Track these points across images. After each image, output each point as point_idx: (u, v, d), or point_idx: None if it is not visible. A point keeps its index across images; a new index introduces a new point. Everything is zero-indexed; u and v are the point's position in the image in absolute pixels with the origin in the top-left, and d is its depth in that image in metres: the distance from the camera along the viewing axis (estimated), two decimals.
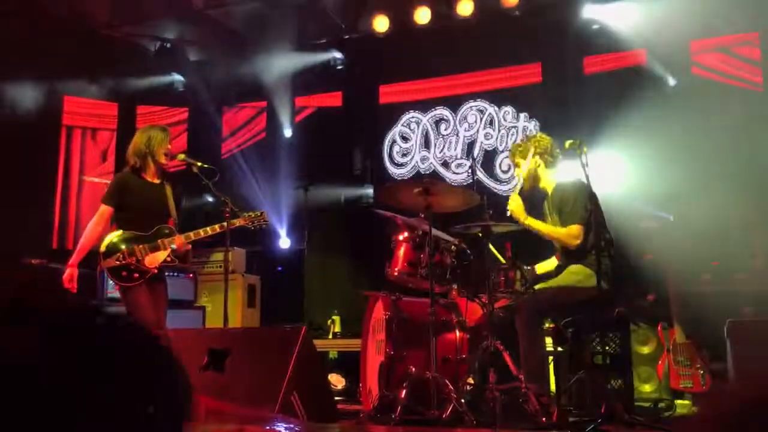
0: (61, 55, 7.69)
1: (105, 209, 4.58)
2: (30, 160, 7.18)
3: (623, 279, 4.59)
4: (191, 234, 4.62)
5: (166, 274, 4.70)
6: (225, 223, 4.72)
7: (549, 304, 4.22)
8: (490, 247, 4.48)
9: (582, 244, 4.44)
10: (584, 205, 4.40)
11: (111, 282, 4.93)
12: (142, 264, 4.44)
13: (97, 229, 4.55)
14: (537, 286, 4.39)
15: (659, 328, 5.29)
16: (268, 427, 2.64)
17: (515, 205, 4.50)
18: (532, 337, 4.25)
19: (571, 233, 4.43)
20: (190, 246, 4.69)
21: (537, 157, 4.69)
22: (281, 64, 7.88)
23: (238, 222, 4.79)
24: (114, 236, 4.51)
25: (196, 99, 8.11)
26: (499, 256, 4.62)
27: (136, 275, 4.43)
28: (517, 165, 4.77)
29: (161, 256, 4.49)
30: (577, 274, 4.42)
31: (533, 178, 4.72)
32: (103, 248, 4.46)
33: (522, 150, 4.74)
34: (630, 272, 5.58)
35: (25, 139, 7.17)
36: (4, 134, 7.03)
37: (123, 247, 4.46)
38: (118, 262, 4.42)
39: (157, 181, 4.68)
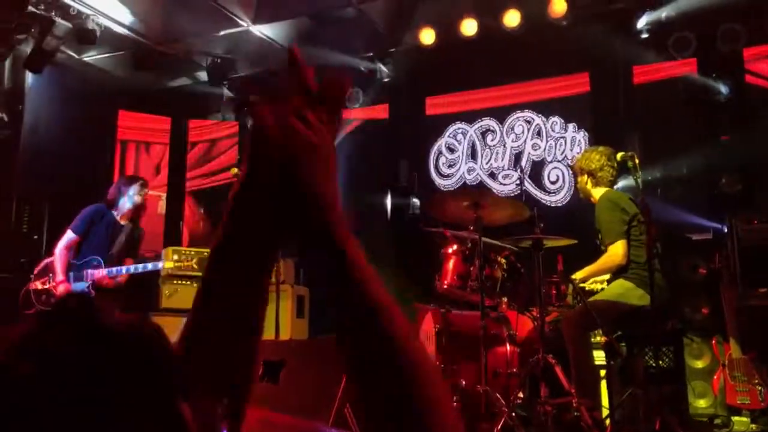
0: (116, 70, 7.93)
1: None
2: (87, 175, 7.39)
3: (676, 292, 4.52)
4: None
5: None
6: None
7: (596, 316, 4.18)
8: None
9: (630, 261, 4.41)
10: (619, 218, 4.40)
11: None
12: (55, 290, 5.09)
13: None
14: (590, 299, 4.36)
15: (714, 342, 5.18)
16: None
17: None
18: (580, 350, 4.22)
19: (611, 254, 4.42)
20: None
21: (585, 175, 4.71)
22: (328, 77, 7.95)
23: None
24: (49, 260, 5.37)
25: (245, 113, 8.24)
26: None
27: (48, 298, 5.11)
28: (576, 174, 4.87)
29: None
30: (618, 288, 4.38)
31: (584, 193, 4.74)
32: (36, 271, 5.32)
33: (577, 167, 4.82)
34: (683, 285, 5.49)
35: (82, 152, 7.39)
36: (62, 148, 7.26)
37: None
38: (44, 286, 4.91)
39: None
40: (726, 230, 5.39)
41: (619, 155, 4.35)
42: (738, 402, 4.84)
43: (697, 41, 6.47)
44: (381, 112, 8.09)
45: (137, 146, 8.18)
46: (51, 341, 0.64)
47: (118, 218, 5.37)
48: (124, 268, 5.24)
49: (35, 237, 7.01)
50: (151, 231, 6.65)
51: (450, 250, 4.64)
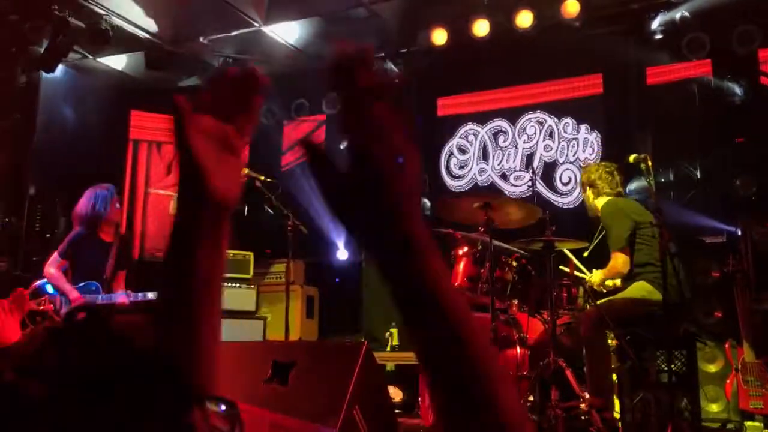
0: (128, 70, 7.96)
1: None
2: (99, 174, 7.42)
3: (689, 295, 4.48)
4: None
5: (227, 285, 4.89)
6: None
7: (613, 317, 4.14)
8: (576, 262, 4.46)
9: (639, 260, 4.39)
10: (622, 225, 4.40)
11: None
12: (58, 315, 4.91)
13: None
14: (599, 301, 4.33)
15: (727, 346, 5.13)
16: None
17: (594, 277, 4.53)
18: (597, 350, 4.19)
19: (610, 266, 4.43)
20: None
21: (587, 189, 4.72)
22: None
23: None
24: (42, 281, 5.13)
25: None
26: (584, 269, 4.60)
27: (47, 323, 4.87)
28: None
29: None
30: (641, 289, 4.35)
31: (592, 207, 4.74)
32: (29, 292, 4.97)
33: (581, 182, 4.86)
34: (696, 288, 5.45)
35: (94, 152, 7.43)
36: (75, 148, 7.30)
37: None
38: (39, 307, 4.93)
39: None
40: (740, 233, 5.34)
41: (631, 158, 4.32)
42: (751, 407, 4.80)
43: (712, 43, 6.41)
44: None
45: (149, 146, 8.21)
46: (61, 360, 0.63)
47: (100, 236, 5.15)
48: (121, 294, 5.05)
49: (48, 236, 7.05)
50: (163, 231, 6.66)
51: (460, 252, 4.63)
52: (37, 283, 5.07)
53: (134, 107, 8.13)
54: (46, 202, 7.24)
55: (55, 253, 5.11)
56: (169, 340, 0.84)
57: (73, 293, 4.95)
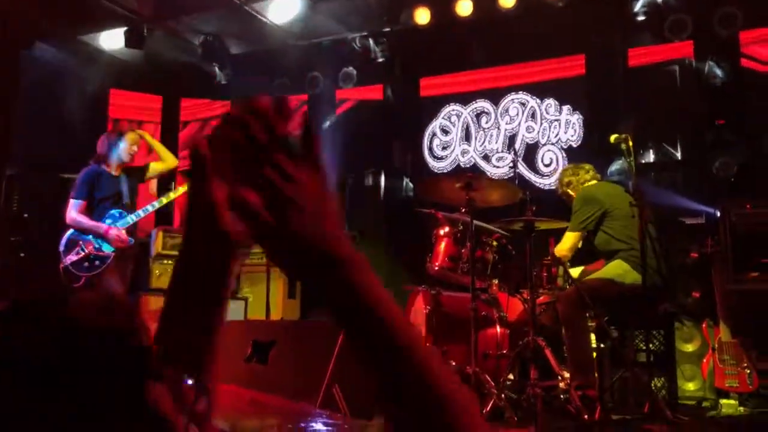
0: (107, 49, 7.85)
1: None
2: (77, 152, 7.33)
3: (668, 276, 4.52)
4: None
5: None
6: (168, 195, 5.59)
7: (591, 295, 4.18)
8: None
9: (619, 241, 4.43)
10: (587, 211, 4.50)
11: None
12: (101, 251, 5.04)
13: None
14: (576, 278, 4.37)
15: (704, 325, 5.19)
16: (310, 423, 2.68)
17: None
18: (576, 330, 4.23)
19: (563, 243, 4.52)
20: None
21: (567, 189, 4.79)
22: (322, 56, 7.91)
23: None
24: (70, 233, 5.15)
25: (237, 92, 8.18)
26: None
27: (97, 263, 5.01)
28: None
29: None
30: (617, 268, 4.38)
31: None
32: (63, 246, 5.09)
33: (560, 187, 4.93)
34: (674, 269, 5.50)
35: (73, 131, 7.33)
36: (52, 126, 7.20)
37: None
38: (78, 255, 4.87)
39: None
40: (719, 215, 5.38)
41: (612, 138, 4.34)
42: (726, 385, 4.86)
43: (694, 24, 6.43)
44: (375, 92, 8.04)
45: (129, 125, 8.11)
46: (15, 336, 0.63)
47: (111, 171, 5.30)
48: (147, 207, 5.42)
49: (25, 215, 6.96)
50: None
51: (442, 232, 4.63)
52: (65, 236, 5.09)
53: (113, 86, 8.03)
54: (24, 182, 7.14)
55: (72, 199, 5.17)
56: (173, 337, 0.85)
57: (102, 227, 5.07)
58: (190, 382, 0.80)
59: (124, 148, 5.29)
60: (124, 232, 5.13)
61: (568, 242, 4.48)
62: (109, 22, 7.40)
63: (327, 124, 8.12)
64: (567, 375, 4.09)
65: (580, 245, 4.61)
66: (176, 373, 0.75)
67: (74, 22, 7.13)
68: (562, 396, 4.05)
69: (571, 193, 4.79)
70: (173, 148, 8.16)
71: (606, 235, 4.47)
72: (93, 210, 5.18)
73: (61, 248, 5.09)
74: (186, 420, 0.70)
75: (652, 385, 4.23)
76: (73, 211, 5.12)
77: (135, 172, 5.55)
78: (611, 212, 4.47)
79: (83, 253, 5.04)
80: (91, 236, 5.09)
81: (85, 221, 5.09)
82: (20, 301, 0.66)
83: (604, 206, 4.49)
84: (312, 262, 0.73)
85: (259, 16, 7.45)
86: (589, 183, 4.74)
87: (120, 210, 5.22)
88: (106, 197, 5.23)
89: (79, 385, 0.62)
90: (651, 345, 4.79)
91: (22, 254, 6.59)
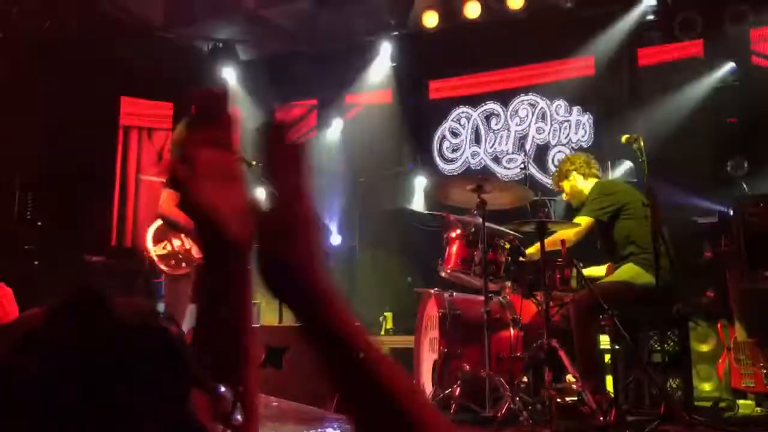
0: (118, 57, 7.89)
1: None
2: (89, 160, 7.38)
3: (681, 276, 4.50)
4: None
5: None
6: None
7: (605, 298, 4.16)
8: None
9: (632, 244, 4.41)
10: (604, 201, 4.47)
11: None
12: (191, 253, 4.50)
13: None
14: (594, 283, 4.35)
15: (719, 325, 5.16)
16: (326, 427, 2.68)
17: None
18: (586, 334, 4.21)
19: (574, 223, 4.46)
20: None
21: (574, 173, 4.73)
22: (331, 61, 7.93)
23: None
24: (159, 224, 4.59)
25: (247, 98, 8.21)
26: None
27: (184, 265, 4.51)
28: (562, 188, 4.82)
29: None
30: (629, 271, 4.36)
31: (578, 194, 4.74)
32: (151, 235, 4.53)
33: (559, 173, 4.83)
34: (688, 269, 5.46)
35: (84, 139, 7.37)
36: (65, 134, 7.24)
37: (171, 235, 4.52)
38: (165, 250, 4.49)
39: None
40: (732, 213, 5.34)
41: (624, 138, 4.33)
42: (743, 385, 4.83)
43: (704, 22, 6.39)
44: (385, 96, 8.04)
45: (139, 132, 8.16)
46: (59, 339, 0.62)
47: None
48: None
49: (39, 224, 7.01)
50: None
51: (453, 235, 4.62)
52: (152, 227, 4.63)
53: (124, 93, 8.07)
54: (37, 190, 7.19)
55: (164, 188, 4.64)
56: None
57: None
58: (224, 390, 0.80)
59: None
60: None
61: (575, 227, 4.44)
62: (119, 30, 7.45)
63: (337, 128, 8.13)
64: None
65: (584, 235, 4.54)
66: (213, 382, 0.75)
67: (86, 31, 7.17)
68: (576, 398, 4.03)
69: (575, 179, 4.74)
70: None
71: (625, 230, 4.47)
72: None
73: (149, 238, 4.59)
74: (223, 430, 0.70)
75: (668, 386, 4.20)
76: (166, 202, 4.56)
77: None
78: (627, 209, 4.46)
79: (171, 249, 4.53)
80: (182, 235, 4.55)
81: (174, 212, 4.43)
82: (69, 299, 0.66)
83: (622, 201, 4.49)
84: (337, 352, 0.78)
85: (269, 22, 7.47)
86: (594, 178, 4.75)
87: None
88: None
89: (120, 386, 0.62)
90: (666, 346, 4.77)
91: (36, 262, 6.63)
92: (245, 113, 8.17)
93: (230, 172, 0.84)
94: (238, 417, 0.76)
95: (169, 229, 4.52)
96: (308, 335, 0.80)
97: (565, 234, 4.35)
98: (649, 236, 4.15)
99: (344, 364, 0.78)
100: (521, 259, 4.46)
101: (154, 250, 4.49)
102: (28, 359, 0.61)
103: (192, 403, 0.65)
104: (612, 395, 4.05)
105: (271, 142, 0.82)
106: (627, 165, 6.46)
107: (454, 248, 4.59)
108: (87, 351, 0.62)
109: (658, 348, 4.63)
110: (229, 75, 8.18)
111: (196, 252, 4.48)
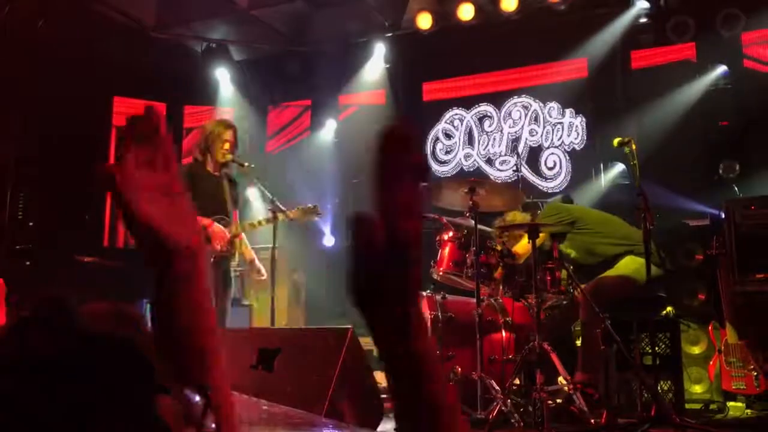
0: (111, 57, 7.87)
1: None
2: (81, 160, 7.35)
3: (673, 278, 4.52)
4: (246, 225, 4.77)
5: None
6: (278, 214, 4.83)
7: (604, 295, 4.22)
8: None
9: (614, 246, 4.47)
10: (556, 216, 4.58)
11: None
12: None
13: None
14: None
15: (710, 328, 5.18)
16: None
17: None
18: (593, 332, 4.27)
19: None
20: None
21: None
22: (325, 62, 7.92)
23: (291, 214, 4.87)
24: None
25: (241, 99, 8.20)
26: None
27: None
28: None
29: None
30: (632, 263, 4.36)
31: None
32: None
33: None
34: (680, 271, 5.48)
35: (76, 139, 7.35)
36: (57, 134, 7.22)
37: None
38: None
39: (216, 174, 4.80)
40: (723, 216, 5.36)
41: (616, 141, 4.34)
42: (734, 387, 4.85)
43: (697, 25, 6.42)
44: (378, 97, 8.04)
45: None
46: (23, 350, 0.63)
47: (210, 170, 4.78)
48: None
49: (30, 224, 6.99)
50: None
51: (446, 237, 4.63)
52: None
53: (117, 93, 8.05)
54: (29, 190, 7.17)
55: None
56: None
57: (205, 220, 4.49)
58: (193, 394, 0.80)
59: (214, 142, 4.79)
60: (227, 231, 4.66)
61: (526, 241, 4.44)
62: (112, 30, 7.42)
63: (330, 129, 8.12)
64: (574, 377, 4.09)
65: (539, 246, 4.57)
66: (180, 387, 0.75)
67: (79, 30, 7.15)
68: (567, 400, 4.04)
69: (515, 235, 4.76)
70: (177, 156, 8.20)
71: (600, 238, 4.52)
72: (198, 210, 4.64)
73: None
74: None
75: (659, 388, 4.22)
76: None
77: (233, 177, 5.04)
78: (583, 222, 4.55)
79: None
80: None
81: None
82: (36, 309, 0.66)
83: (573, 215, 4.57)
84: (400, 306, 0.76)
85: (262, 23, 7.46)
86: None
87: (225, 218, 4.75)
88: (209, 198, 4.71)
89: (85, 395, 0.62)
90: (657, 348, 4.78)
91: (27, 262, 6.61)
92: (239, 113, 8.18)
93: (169, 189, 0.86)
94: (211, 421, 0.76)
95: None
96: (389, 363, 0.77)
97: (520, 248, 4.47)
98: (636, 236, 4.21)
99: (416, 397, 0.76)
100: (506, 260, 4.48)
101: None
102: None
103: (158, 409, 0.66)
104: (603, 397, 4.06)
105: (388, 151, 0.79)
106: (619, 167, 6.48)
107: (447, 250, 4.60)
108: (47, 362, 0.62)
109: (650, 350, 4.64)
110: (223, 75, 8.17)
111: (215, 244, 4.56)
